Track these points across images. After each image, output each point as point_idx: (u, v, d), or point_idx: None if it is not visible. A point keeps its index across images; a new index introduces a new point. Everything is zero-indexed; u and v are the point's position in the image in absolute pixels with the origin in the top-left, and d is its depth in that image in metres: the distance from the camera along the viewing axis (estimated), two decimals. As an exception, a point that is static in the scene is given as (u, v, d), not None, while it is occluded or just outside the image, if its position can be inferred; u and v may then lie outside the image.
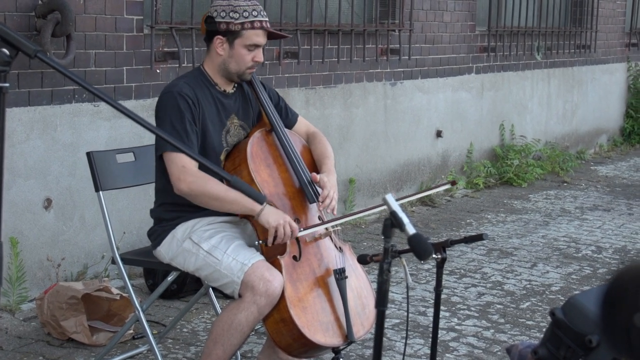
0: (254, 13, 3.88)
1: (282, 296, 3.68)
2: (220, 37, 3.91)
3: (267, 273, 3.67)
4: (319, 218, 4.01)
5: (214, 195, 3.76)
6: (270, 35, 4.02)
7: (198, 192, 3.75)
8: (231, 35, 3.89)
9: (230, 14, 3.87)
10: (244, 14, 3.87)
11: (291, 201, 3.94)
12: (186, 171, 3.74)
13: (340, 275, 3.86)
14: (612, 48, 12.47)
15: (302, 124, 4.29)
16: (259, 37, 3.91)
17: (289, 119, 4.23)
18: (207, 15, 3.95)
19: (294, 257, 3.81)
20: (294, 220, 3.86)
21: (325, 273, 3.88)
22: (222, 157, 3.97)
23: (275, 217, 3.75)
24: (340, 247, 4.04)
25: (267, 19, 3.94)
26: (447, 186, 3.95)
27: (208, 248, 3.82)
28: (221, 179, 3.68)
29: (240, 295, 3.72)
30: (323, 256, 3.92)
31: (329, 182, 3.97)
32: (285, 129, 4.08)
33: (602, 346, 3.00)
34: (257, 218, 3.76)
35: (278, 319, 3.69)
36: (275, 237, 3.75)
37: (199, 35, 5.50)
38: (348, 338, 3.80)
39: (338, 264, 3.92)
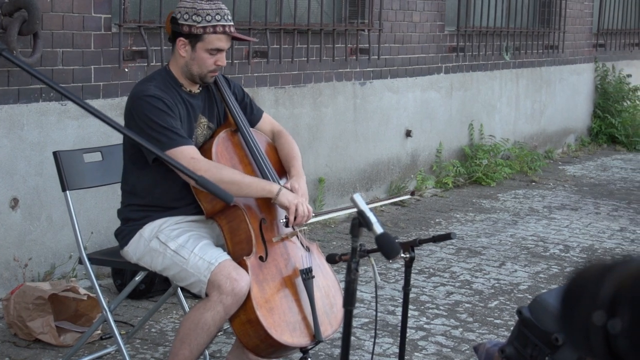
0: (217, 17, 3.85)
1: (249, 297, 3.67)
2: (182, 39, 3.89)
3: (234, 272, 3.66)
4: (286, 217, 4.01)
5: (231, 181, 3.74)
6: (238, 37, 4.01)
7: (216, 180, 3.71)
8: (193, 39, 3.87)
9: (193, 17, 3.85)
10: (207, 17, 3.84)
11: (257, 201, 3.93)
12: (198, 162, 3.74)
13: (307, 275, 3.87)
14: (579, 49, 12.55)
15: (267, 121, 4.28)
16: (221, 42, 3.89)
17: (254, 115, 4.22)
18: (172, 16, 3.94)
19: (260, 258, 3.81)
20: (262, 220, 3.87)
21: (293, 273, 3.88)
22: None
23: (294, 196, 3.83)
24: (307, 247, 4.04)
25: (231, 24, 3.91)
26: (407, 196, 3.98)
27: (175, 247, 3.81)
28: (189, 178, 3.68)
29: (207, 295, 3.71)
30: (290, 256, 3.92)
31: (300, 188, 3.97)
32: (251, 129, 4.08)
33: (567, 344, 3.02)
34: (277, 198, 3.79)
35: (245, 320, 3.69)
36: (295, 217, 3.81)
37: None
38: (315, 338, 3.80)
39: (305, 263, 3.92)
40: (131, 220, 3.99)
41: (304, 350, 3.83)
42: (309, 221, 4.01)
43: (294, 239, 4.00)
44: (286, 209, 3.82)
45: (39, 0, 5.26)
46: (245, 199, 3.87)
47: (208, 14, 3.84)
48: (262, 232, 3.87)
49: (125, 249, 3.99)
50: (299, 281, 3.86)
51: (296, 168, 4.08)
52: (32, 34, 5.26)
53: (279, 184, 3.94)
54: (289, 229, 3.96)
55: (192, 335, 3.71)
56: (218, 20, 3.85)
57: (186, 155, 3.74)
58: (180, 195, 3.92)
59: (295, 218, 3.82)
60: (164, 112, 3.79)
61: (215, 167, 3.79)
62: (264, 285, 3.75)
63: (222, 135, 3.98)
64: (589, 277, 1.16)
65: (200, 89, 4.04)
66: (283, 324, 3.73)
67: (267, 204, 3.96)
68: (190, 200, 3.92)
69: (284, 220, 3.86)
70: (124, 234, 4.00)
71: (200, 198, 3.89)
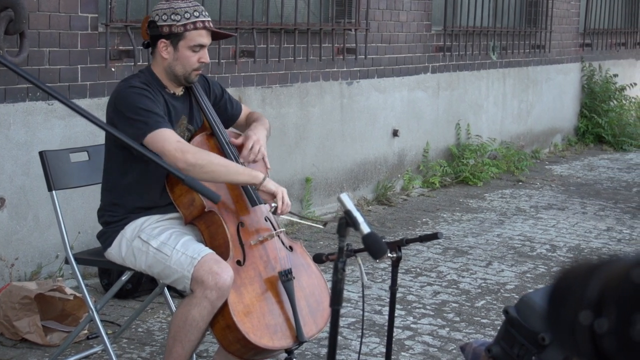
0: (195, 14, 3.89)
1: (226, 303, 3.68)
2: (164, 40, 3.91)
3: (215, 266, 3.66)
4: (266, 219, 4.02)
5: (220, 163, 3.78)
6: (216, 35, 4.03)
7: (205, 161, 3.72)
8: (175, 38, 3.89)
9: (172, 17, 3.87)
10: (186, 15, 3.87)
11: (235, 205, 3.94)
12: (185, 144, 3.75)
13: (287, 276, 3.87)
14: (566, 48, 12.58)
15: (245, 111, 4.37)
16: (203, 38, 3.92)
17: (235, 110, 4.30)
18: (150, 20, 3.95)
19: (238, 262, 3.80)
20: (239, 224, 3.88)
21: (272, 275, 3.88)
22: None
23: (277, 185, 3.88)
24: (290, 247, 4.05)
25: (209, 19, 3.95)
26: (320, 226, 4.16)
27: (157, 245, 3.82)
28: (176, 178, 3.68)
29: (192, 290, 3.72)
30: (270, 258, 3.92)
31: (255, 135, 4.05)
32: (228, 130, 4.10)
33: (554, 344, 3.03)
34: (263, 183, 3.81)
35: (224, 326, 3.69)
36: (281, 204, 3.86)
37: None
38: (298, 339, 3.80)
39: (284, 265, 3.93)
40: (112, 222, 4.00)
41: (288, 351, 3.84)
42: (286, 216, 4.04)
43: (275, 239, 4.00)
44: (273, 195, 3.85)
45: (25, 0, 5.25)
46: (222, 203, 3.86)
47: (186, 12, 3.88)
48: (240, 235, 3.87)
49: (109, 250, 3.99)
50: (280, 283, 3.86)
51: (252, 125, 4.16)
52: (18, 33, 5.25)
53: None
54: (270, 231, 3.98)
55: (182, 333, 3.71)
56: (197, 17, 3.89)
57: (172, 137, 3.74)
58: (161, 196, 3.93)
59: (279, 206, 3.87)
60: (149, 98, 3.82)
61: (201, 149, 3.82)
62: (241, 289, 3.75)
63: (196, 140, 4.00)
64: (576, 277, 1.16)
65: (183, 91, 4.05)
66: (262, 327, 3.73)
67: (245, 208, 3.97)
68: (170, 200, 3.93)
69: (274, 206, 3.89)
70: (107, 236, 4.01)
71: (178, 204, 3.90)
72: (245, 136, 4.07)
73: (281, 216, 4.01)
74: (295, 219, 4.16)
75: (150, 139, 3.72)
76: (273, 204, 3.89)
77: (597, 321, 1.09)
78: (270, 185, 3.84)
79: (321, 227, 4.29)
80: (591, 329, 1.10)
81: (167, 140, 3.71)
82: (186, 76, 3.95)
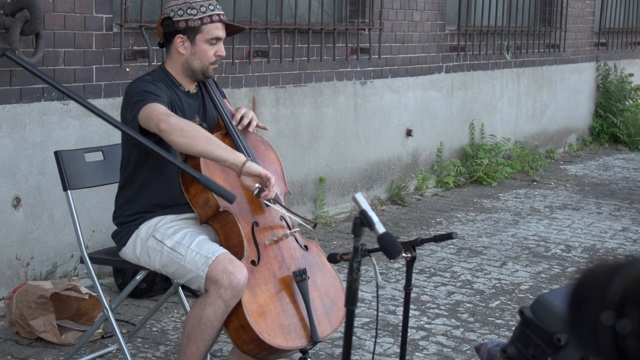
0: (211, 7, 3.94)
1: (240, 303, 3.67)
2: (180, 35, 3.93)
3: (230, 266, 3.66)
4: (281, 219, 4.01)
5: (203, 133, 3.68)
6: (230, 30, 4.05)
7: (187, 127, 3.64)
8: (192, 32, 3.92)
9: (188, 11, 3.91)
10: (201, 9, 3.92)
11: (249, 204, 3.94)
12: (171, 116, 3.67)
13: (301, 276, 3.86)
14: (581, 47, 12.54)
15: None
16: (219, 30, 3.96)
17: None
18: (164, 17, 3.97)
19: (252, 262, 3.80)
20: (254, 224, 3.87)
21: (287, 275, 3.87)
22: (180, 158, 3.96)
23: (261, 167, 3.74)
24: (305, 246, 4.04)
25: (222, 12, 4.00)
26: (308, 226, 4.17)
27: (172, 244, 3.82)
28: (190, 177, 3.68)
29: (206, 290, 3.72)
30: (284, 257, 3.91)
31: (245, 107, 4.14)
32: (242, 130, 4.09)
33: (570, 345, 3.02)
34: (246, 164, 3.66)
35: (238, 325, 3.69)
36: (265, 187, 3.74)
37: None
38: (313, 339, 3.79)
39: (299, 264, 3.92)
40: (127, 222, 4.01)
41: (303, 350, 3.83)
42: (277, 208, 4.01)
43: (290, 239, 4.00)
44: (259, 176, 3.71)
45: (40, 1, 5.26)
46: (237, 203, 3.83)
47: (202, 5, 3.93)
48: (255, 235, 3.86)
49: (124, 250, 4.00)
50: (294, 283, 3.86)
51: None
52: (34, 34, 5.26)
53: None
54: (285, 231, 3.97)
55: (196, 332, 3.71)
56: (212, 10, 3.95)
57: (159, 110, 3.68)
58: (176, 196, 3.93)
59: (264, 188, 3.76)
60: (155, 85, 3.84)
61: (189, 122, 3.74)
62: (256, 289, 3.74)
63: None
64: (597, 278, 1.15)
65: (196, 89, 4.06)
66: (276, 327, 3.72)
67: (259, 207, 3.96)
68: (185, 200, 3.93)
69: (258, 187, 3.74)
70: (121, 236, 4.02)
71: (193, 204, 3.89)
72: (237, 108, 4.15)
73: (269, 204, 3.91)
74: (285, 212, 4.08)
75: (143, 112, 3.69)
76: (257, 185, 3.73)
77: (620, 322, 1.09)
78: (254, 167, 3.68)
79: (310, 227, 4.27)
80: (613, 329, 1.09)
81: (157, 110, 3.68)
82: (204, 70, 3.97)
